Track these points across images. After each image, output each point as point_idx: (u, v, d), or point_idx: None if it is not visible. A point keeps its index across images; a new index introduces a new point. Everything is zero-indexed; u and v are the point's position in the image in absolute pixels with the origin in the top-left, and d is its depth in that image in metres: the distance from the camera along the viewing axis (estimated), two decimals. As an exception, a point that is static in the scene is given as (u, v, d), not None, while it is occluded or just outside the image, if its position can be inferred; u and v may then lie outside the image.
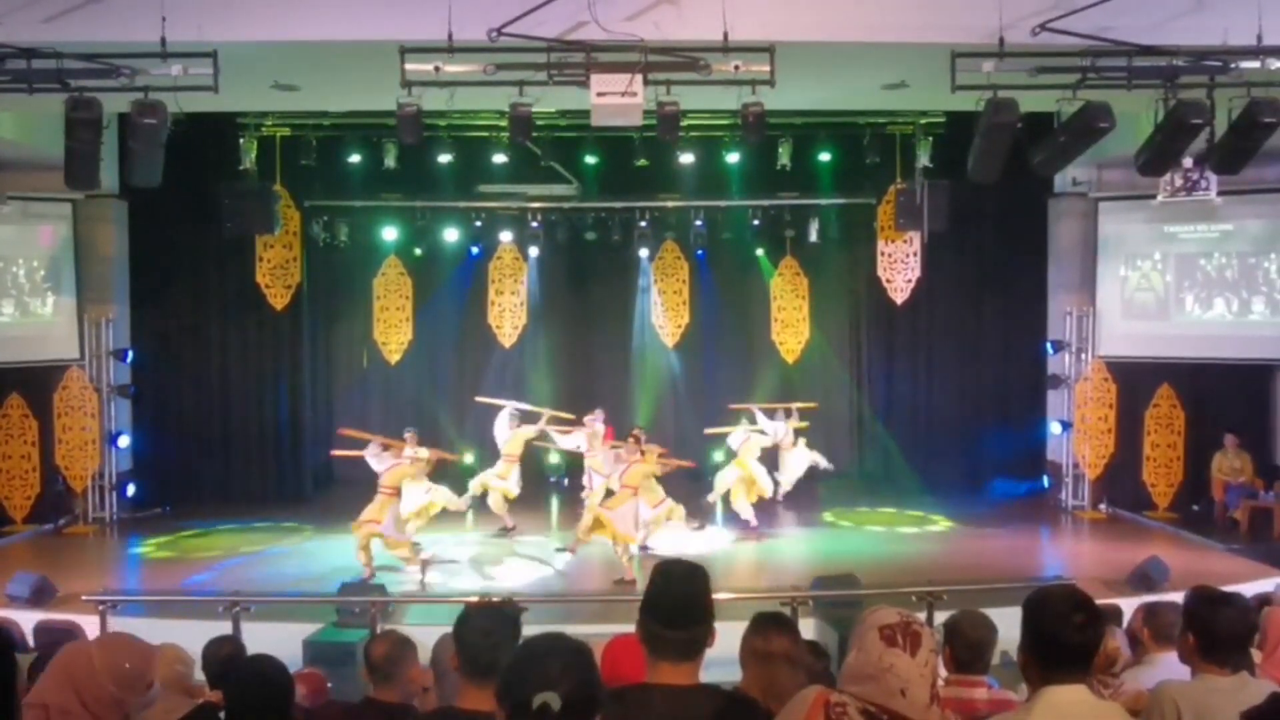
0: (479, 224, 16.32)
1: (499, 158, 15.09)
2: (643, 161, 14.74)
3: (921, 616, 3.73)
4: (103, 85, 8.72)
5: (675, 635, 3.04)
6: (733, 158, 15.17)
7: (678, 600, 3.08)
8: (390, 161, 14.76)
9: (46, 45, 8.66)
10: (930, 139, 14.53)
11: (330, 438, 17.08)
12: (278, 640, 7.79)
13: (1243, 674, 3.63)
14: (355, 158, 14.95)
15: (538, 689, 2.27)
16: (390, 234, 16.33)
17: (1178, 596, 4.42)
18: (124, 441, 15.30)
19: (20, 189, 13.45)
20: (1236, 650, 3.70)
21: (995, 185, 10.96)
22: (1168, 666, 4.46)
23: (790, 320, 16.93)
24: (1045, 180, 14.89)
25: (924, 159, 14.56)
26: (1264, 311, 14.57)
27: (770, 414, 14.52)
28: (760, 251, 17.04)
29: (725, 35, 8.67)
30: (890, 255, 15.74)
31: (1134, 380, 15.31)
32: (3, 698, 2.40)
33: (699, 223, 16.14)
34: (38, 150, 11.15)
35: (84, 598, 9.19)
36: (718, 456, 16.21)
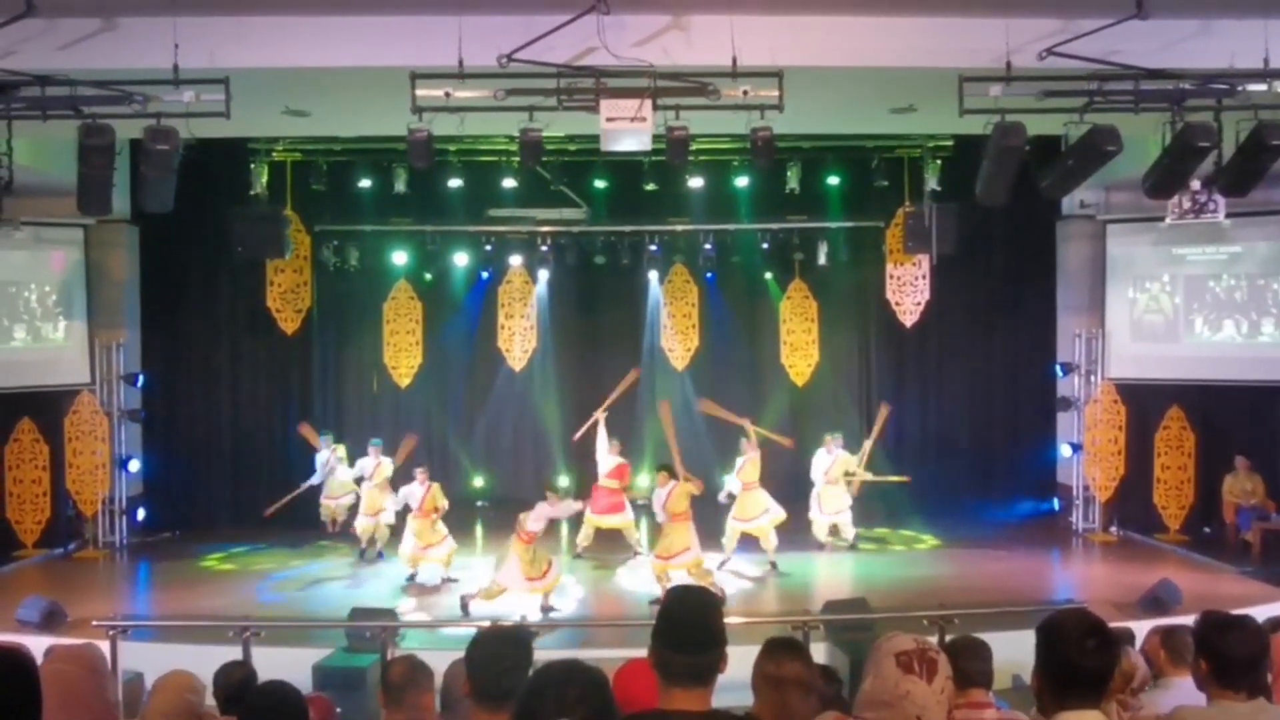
0: (489, 248, 16.33)
1: (509, 182, 15.17)
2: (652, 185, 14.82)
3: (933, 640, 3.72)
4: (115, 112, 8.76)
5: (688, 660, 3.02)
6: (742, 181, 15.26)
7: (690, 625, 3.08)
8: (401, 186, 14.83)
9: (60, 72, 8.72)
10: (938, 162, 14.61)
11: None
12: (287, 665, 7.79)
13: (1260, 700, 3.60)
14: (366, 182, 15.04)
15: (554, 715, 2.27)
16: (400, 258, 16.35)
17: (1190, 620, 4.40)
18: (134, 466, 15.32)
19: (33, 214, 13.50)
20: (1251, 674, 3.67)
21: (1003, 208, 10.99)
22: (1183, 690, 4.44)
23: (799, 343, 16.93)
24: (1053, 203, 14.93)
25: (932, 182, 14.64)
26: (1273, 333, 14.53)
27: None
28: (769, 275, 17.03)
29: (734, 60, 8.73)
30: (899, 278, 15.77)
31: (1144, 402, 15.28)
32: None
33: (708, 246, 16.12)
34: (50, 176, 11.20)
35: (94, 623, 9.15)
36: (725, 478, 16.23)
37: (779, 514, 13.21)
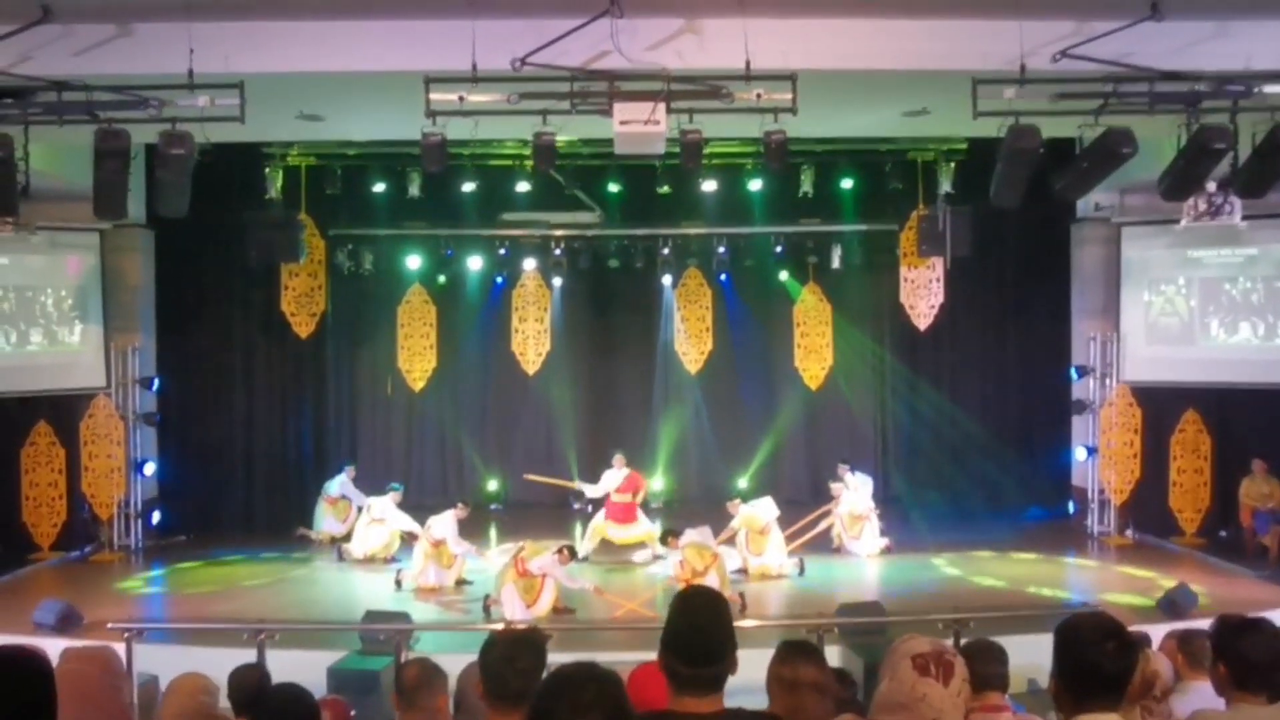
0: (503, 252, 16.38)
1: (522, 186, 15.20)
2: (665, 189, 14.82)
3: (949, 644, 3.70)
4: (131, 116, 8.80)
5: (698, 673, 2.97)
6: (755, 185, 15.26)
7: (699, 636, 3.01)
8: (414, 190, 14.88)
9: (76, 78, 8.77)
10: (952, 165, 14.59)
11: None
12: (302, 667, 7.78)
13: (1280, 704, 3.58)
14: (380, 186, 15.10)
15: (569, 718, 2.27)
16: (414, 262, 16.42)
17: (1206, 623, 4.37)
18: (150, 469, 15.35)
19: (49, 219, 13.54)
20: (1270, 678, 3.64)
21: (1017, 211, 10.97)
22: (1202, 694, 4.41)
23: (813, 347, 16.93)
24: (1068, 205, 14.89)
25: (946, 185, 14.61)
26: (1290, 335, 14.45)
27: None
28: (783, 278, 17.05)
29: (747, 64, 8.72)
30: (913, 281, 15.73)
31: (1159, 405, 15.21)
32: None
33: (722, 250, 16.15)
34: (67, 181, 11.25)
35: (110, 625, 9.19)
36: (741, 484, 16.23)
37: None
